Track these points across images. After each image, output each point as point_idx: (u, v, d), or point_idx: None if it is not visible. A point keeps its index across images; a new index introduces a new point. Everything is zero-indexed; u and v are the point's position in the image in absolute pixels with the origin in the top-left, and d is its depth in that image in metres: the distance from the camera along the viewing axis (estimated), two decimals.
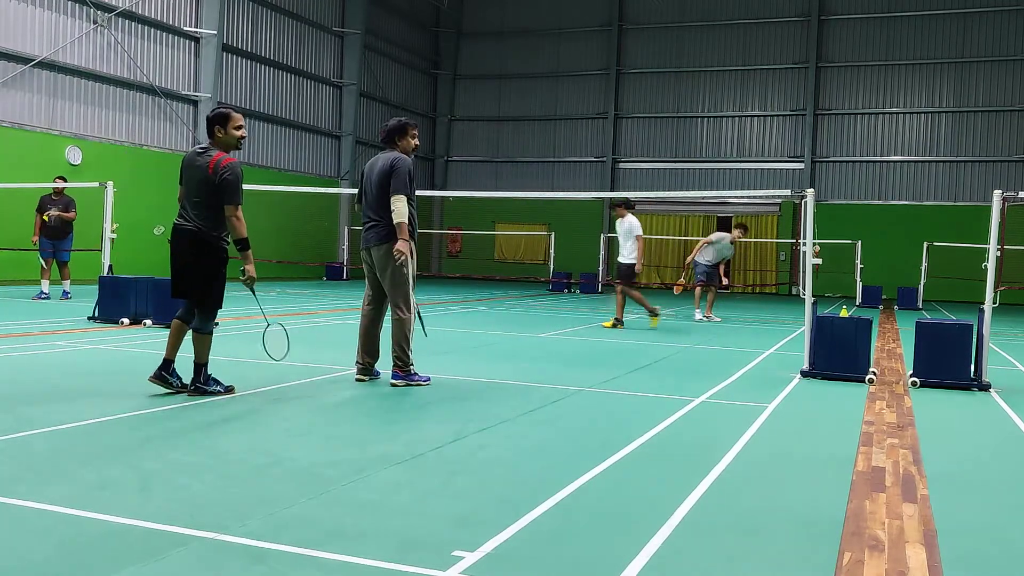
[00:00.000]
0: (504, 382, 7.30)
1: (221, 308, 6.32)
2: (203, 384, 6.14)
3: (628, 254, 13.24)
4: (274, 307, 15.13)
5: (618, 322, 13.25)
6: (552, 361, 8.98)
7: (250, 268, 6.17)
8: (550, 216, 31.68)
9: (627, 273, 13.24)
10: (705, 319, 15.27)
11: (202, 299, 6.17)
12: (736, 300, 25.47)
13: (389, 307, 7.12)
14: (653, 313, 13.43)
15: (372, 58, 30.90)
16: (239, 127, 6.21)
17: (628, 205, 13.60)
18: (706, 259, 15.39)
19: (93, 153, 20.32)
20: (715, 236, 15.59)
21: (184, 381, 6.17)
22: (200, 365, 6.17)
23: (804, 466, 4.73)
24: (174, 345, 6.16)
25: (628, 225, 13.28)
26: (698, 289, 15.62)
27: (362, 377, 7.12)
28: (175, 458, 4.33)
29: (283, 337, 6.93)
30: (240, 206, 6.09)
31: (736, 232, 15.42)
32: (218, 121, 6.17)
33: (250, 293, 6.42)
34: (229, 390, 6.25)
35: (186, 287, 6.16)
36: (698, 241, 16.08)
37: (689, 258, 15.72)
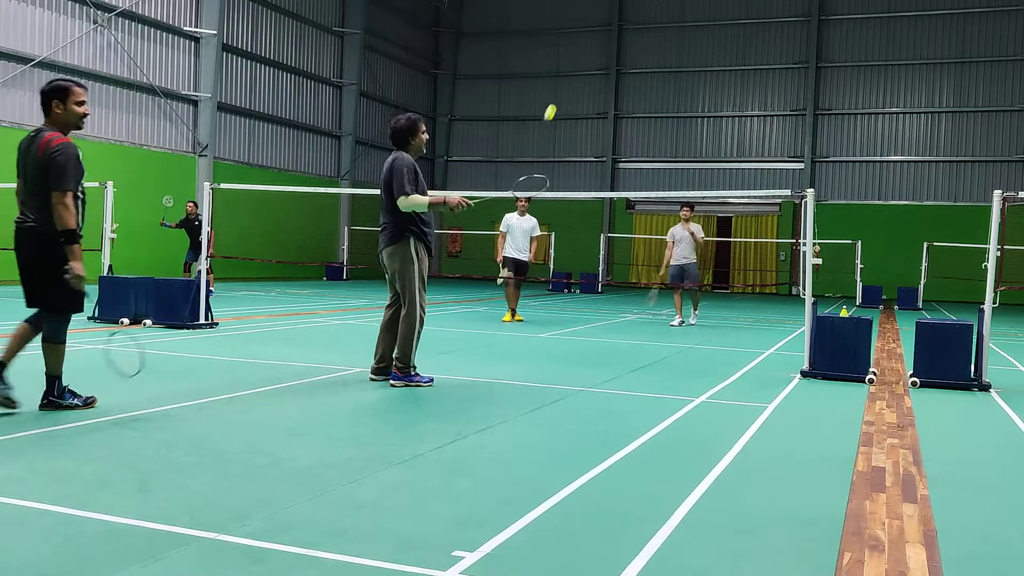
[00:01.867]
0: (504, 382, 7.30)
1: (81, 311, 5.47)
2: (57, 398, 5.41)
3: (525, 251, 13.50)
4: (274, 307, 15.14)
5: (514, 313, 13.68)
6: (552, 361, 8.98)
7: (76, 265, 5.17)
8: (550, 216, 31.63)
9: (526, 269, 13.68)
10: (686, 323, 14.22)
11: (59, 305, 5.34)
12: (736, 300, 25.47)
13: (401, 307, 7.06)
14: (513, 313, 13.71)
15: (372, 58, 30.91)
16: (81, 102, 5.36)
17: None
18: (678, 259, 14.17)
19: (93, 153, 20.28)
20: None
21: (9, 392, 5.36)
22: (54, 377, 5.41)
23: (804, 466, 4.73)
24: (13, 349, 5.39)
25: (533, 223, 13.61)
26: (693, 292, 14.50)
27: (375, 377, 7.11)
28: (175, 458, 4.33)
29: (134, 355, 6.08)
30: (69, 193, 5.16)
31: (684, 212, 14.22)
32: (56, 95, 5.29)
33: (80, 290, 5.34)
34: (89, 403, 5.48)
35: (38, 293, 5.33)
36: (703, 240, 14.39)
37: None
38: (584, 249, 30.46)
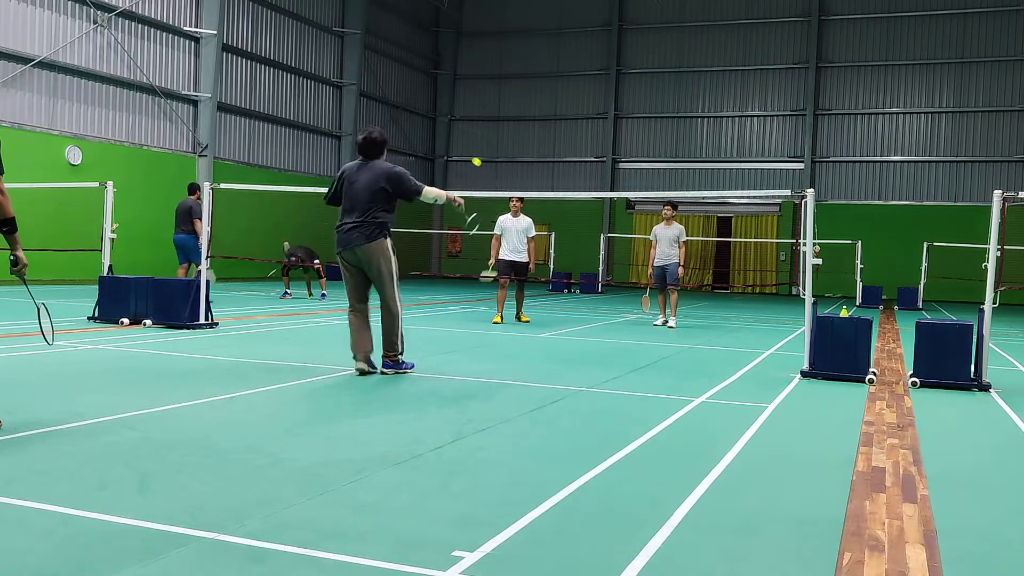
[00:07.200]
0: (504, 382, 7.30)
1: None
2: None
3: (522, 251, 13.52)
4: (274, 307, 15.14)
5: (503, 316, 13.73)
6: (552, 361, 8.98)
7: (21, 254, 5.02)
8: (550, 216, 31.67)
9: (526, 270, 13.70)
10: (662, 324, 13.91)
11: None
12: (736, 300, 25.48)
13: (379, 301, 7.55)
14: (500, 315, 13.78)
15: (372, 58, 30.91)
16: None
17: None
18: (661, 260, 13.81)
19: (93, 153, 20.32)
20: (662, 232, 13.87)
21: None
22: None
23: (804, 466, 4.73)
24: None
25: (528, 223, 13.60)
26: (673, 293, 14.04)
27: (363, 367, 7.43)
28: (175, 458, 4.33)
29: (46, 320, 5.62)
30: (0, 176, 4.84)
31: (666, 211, 13.84)
32: None
33: (22, 281, 5.25)
34: None
35: None
36: (685, 244, 13.92)
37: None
38: (584, 249, 30.46)
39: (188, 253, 14.93)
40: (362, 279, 7.58)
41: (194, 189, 15.23)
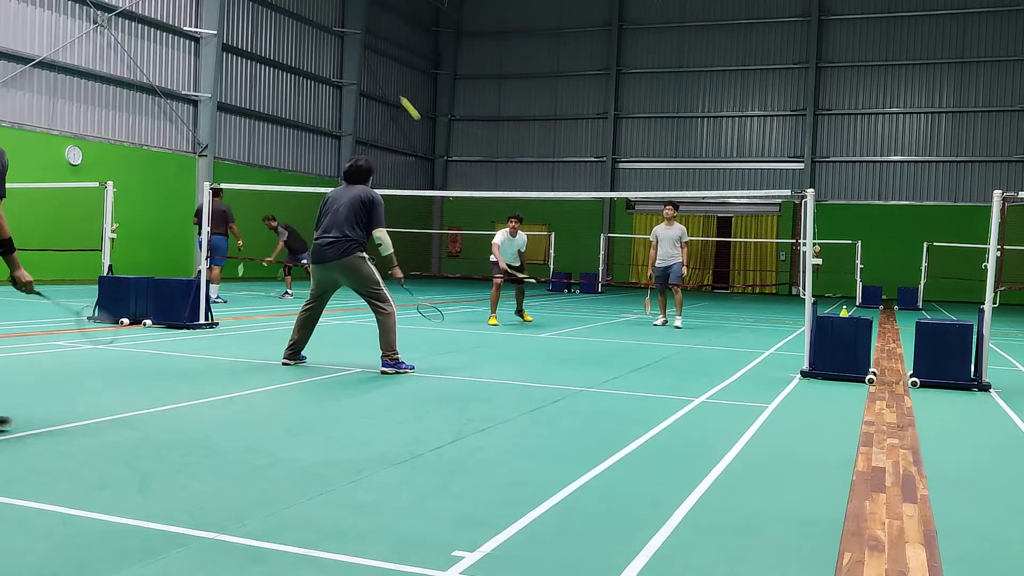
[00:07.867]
0: (504, 382, 7.31)
1: None
2: None
3: (516, 261, 13.80)
4: (274, 307, 15.14)
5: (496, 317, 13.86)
6: (552, 361, 8.98)
7: (21, 273, 4.94)
8: (550, 216, 31.67)
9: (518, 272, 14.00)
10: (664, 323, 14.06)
11: None
12: (736, 300, 25.48)
13: (372, 309, 7.74)
14: (494, 314, 13.88)
15: (372, 58, 30.90)
16: None
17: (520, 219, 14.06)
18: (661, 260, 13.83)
19: (93, 153, 20.31)
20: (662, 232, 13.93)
21: None
22: None
23: (804, 466, 4.73)
24: None
25: (523, 240, 13.86)
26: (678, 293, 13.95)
27: (288, 362, 7.78)
28: (175, 458, 4.33)
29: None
30: (1, 200, 4.75)
31: (667, 211, 13.88)
32: None
33: (35, 295, 5.17)
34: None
35: None
36: (687, 244, 13.82)
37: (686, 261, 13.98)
38: (584, 249, 30.46)
39: (216, 254, 14.91)
40: (324, 289, 7.81)
41: (218, 191, 15.16)
